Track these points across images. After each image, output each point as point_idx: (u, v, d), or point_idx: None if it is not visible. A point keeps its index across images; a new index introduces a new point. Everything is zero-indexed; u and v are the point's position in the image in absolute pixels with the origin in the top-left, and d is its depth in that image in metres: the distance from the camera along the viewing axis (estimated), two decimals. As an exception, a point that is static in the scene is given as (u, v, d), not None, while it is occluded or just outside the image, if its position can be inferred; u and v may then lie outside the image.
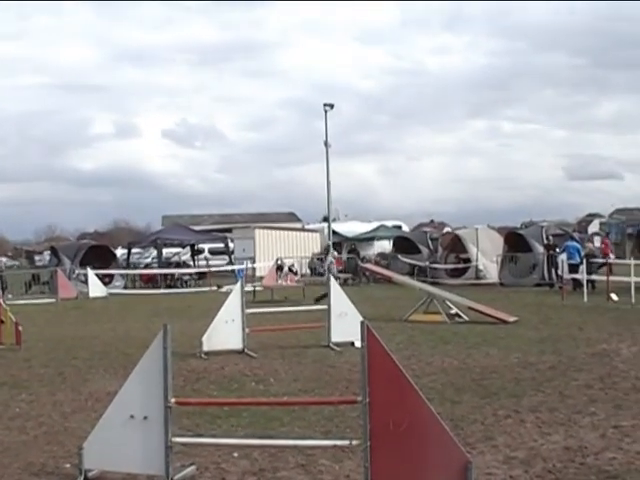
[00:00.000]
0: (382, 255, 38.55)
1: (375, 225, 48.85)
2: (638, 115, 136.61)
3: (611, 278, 21.62)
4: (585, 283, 22.43)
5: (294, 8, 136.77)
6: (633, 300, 19.59)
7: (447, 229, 48.30)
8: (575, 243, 28.01)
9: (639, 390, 9.22)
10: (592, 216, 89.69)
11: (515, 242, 31.61)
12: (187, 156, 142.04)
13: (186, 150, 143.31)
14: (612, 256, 29.22)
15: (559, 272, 26.40)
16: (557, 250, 28.67)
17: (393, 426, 5.49)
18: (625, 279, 21.56)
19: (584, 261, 23.90)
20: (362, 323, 5.64)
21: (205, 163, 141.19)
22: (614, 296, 20.71)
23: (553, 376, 10.32)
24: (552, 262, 28.73)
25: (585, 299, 21.01)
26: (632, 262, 22.48)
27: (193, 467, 6.52)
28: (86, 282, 30.90)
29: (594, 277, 24.21)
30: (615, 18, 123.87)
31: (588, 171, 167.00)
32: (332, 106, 45.32)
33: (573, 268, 25.18)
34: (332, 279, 14.58)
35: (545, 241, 30.76)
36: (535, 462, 6.49)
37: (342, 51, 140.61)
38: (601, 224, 65.25)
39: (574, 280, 24.93)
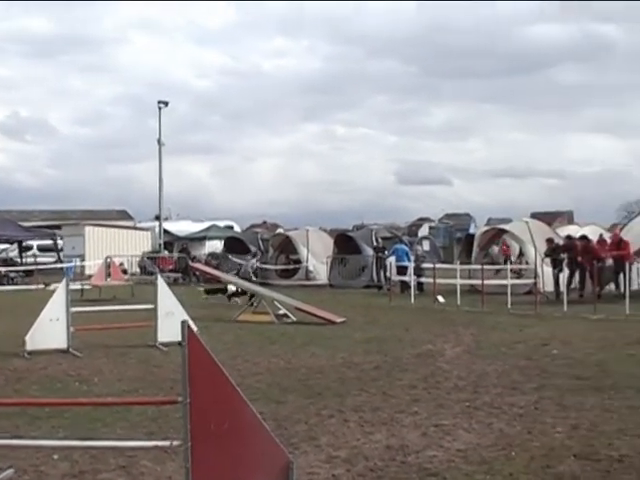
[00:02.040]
0: (213, 255, 38.63)
1: (207, 225, 48.68)
2: (467, 123, 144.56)
3: (438, 281, 22.53)
4: (412, 285, 23.28)
5: (131, 5, 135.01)
6: (459, 302, 20.51)
7: (279, 230, 48.80)
8: (403, 246, 29.07)
9: (461, 389, 9.63)
10: (422, 220, 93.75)
11: (345, 244, 32.37)
12: (17, 150, 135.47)
13: (16, 144, 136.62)
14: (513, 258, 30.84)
15: (387, 274, 27.26)
16: (386, 252, 29.65)
17: (214, 426, 5.43)
18: (451, 281, 22.58)
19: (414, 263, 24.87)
20: (183, 322, 5.55)
21: (36, 157, 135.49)
22: (441, 298, 21.61)
23: (378, 376, 10.60)
24: (381, 264, 29.68)
25: (412, 301, 21.79)
26: (458, 266, 23.60)
27: (11, 470, 6.23)
28: None
29: (422, 280, 25.18)
30: (445, 29, 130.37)
31: (419, 176, 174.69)
32: (167, 104, 45.01)
33: (401, 270, 26.11)
34: (160, 278, 14.50)
35: (374, 243, 31.73)
36: (357, 461, 6.61)
37: (178, 50, 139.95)
38: (430, 228, 68.29)
39: (402, 282, 25.83)
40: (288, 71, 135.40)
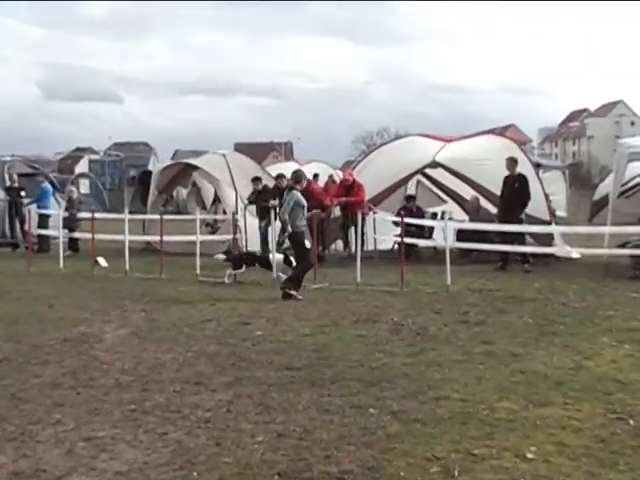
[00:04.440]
0: None
1: None
2: (142, 15, 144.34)
3: (99, 236, 22.38)
4: (62, 243, 22.99)
5: None
6: (128, 267, 20.59)
7: None
8: (48, 185, 28.62)
9: (125, 388, 9.65)
10: (81, 151, 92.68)
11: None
12: None
13: None
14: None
15: (26, 227, 26.61)
16: (23, 194, 28.91)
17: None
18: (118, 237, 22.48)
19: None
20: None
21: None
22: (102, 261, 21.50)
23: (5, 372, 10.43)
24: (17, 212, 28.96)
25: (61, 265, 21.50)
26: (127, 215, 23.52)
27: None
28: None
29: (76, 235, 24.99)
30: None
31: (75, 89, 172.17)
32: None
33: (43, 220, 25.75)
34: None
35: (8, 183, 30.82)
36: (-37, 496, 6.41)
37: None
38: (92, 162, 67.65)
39: (40, 237, 25.51)
40: None
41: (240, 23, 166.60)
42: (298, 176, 17.29)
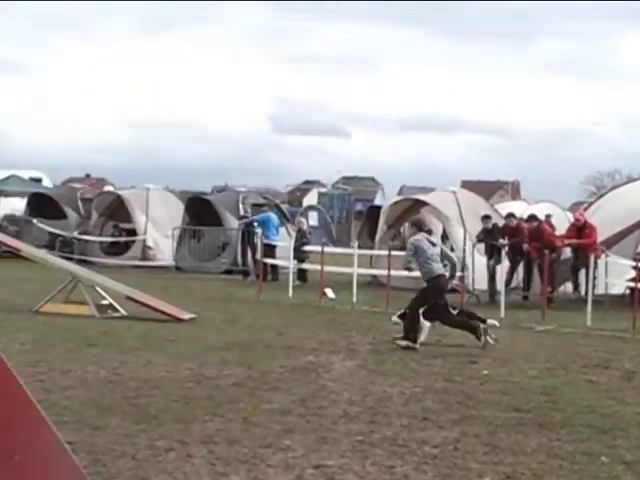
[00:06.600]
0: (10, 218, 37.43)
1: (3, 175, 47.29)
2: (370, 50, 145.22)
3: (327, 268, 22.63)
4: (292, 273, 23.34)
5: None
6: (355, 299, 20.74)
7: (108, 188, 47.94)
8: (274, 216, 28.91)
9: (352, 418, 9.67)
10: (310, 184, 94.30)
11: (200, 211, 32.06)
12: None
13: None
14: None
15: (257, 256, 27.13)
16: (255, 225, 29.16)
17: (3, 458, 5.29)
18: (346, 270, 22.75)
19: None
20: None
21: None
22: (330, 292, 21.74)
23: (237, 396, 10.58)
24: (250, 241, 29.52)
25: (290, 294, 21.86)
26: (356, 250, 23.68)
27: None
28: None
29: (305, 266, 25.36)
30: None
31: (303, 123, 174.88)
32: None
33: (270, 250, 26.18)
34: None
35: (242, 212, 31.41)
36: (201, 513, 6.55)
37: None
38: (321, 195, 68.66)
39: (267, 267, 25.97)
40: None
41: (465, 59, 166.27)
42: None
